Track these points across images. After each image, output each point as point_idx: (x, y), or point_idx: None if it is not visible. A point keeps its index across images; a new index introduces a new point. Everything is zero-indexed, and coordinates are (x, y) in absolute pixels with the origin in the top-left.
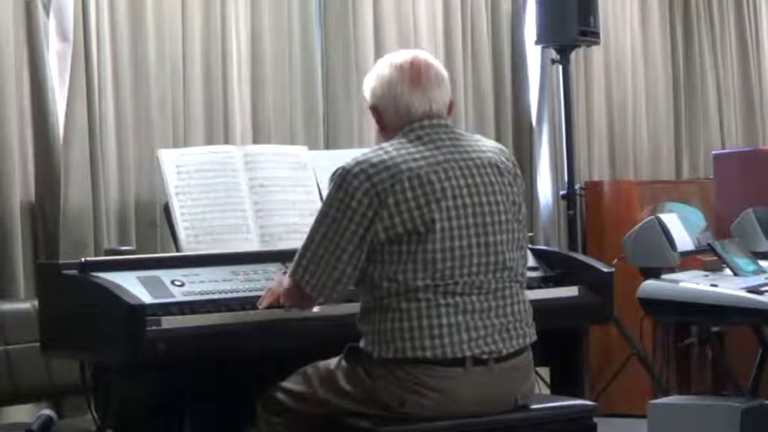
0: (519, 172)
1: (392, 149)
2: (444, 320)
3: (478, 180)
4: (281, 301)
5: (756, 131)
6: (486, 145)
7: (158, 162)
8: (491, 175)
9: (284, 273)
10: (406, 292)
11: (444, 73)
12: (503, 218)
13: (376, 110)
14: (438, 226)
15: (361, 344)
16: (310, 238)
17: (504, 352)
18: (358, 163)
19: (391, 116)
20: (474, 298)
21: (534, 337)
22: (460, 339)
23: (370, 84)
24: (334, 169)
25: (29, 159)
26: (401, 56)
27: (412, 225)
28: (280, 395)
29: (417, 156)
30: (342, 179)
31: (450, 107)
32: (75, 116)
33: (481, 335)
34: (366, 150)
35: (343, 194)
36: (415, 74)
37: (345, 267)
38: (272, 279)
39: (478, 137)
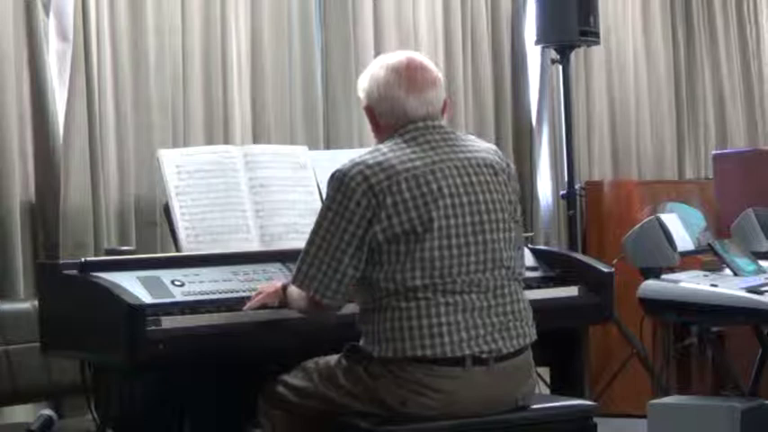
0: (513, 171)
1: (388, 151)
2: (444, 319)
3: (474, 179)
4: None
5: (757, 131)
6: (480, 146)
7: (158, 162)
8: (486, 174)
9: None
10: (405, 291)
11: (439, 73)
12: (499, 216)
13: (371, 110)
14: (436, 225)
15: (361, 343)
16: (310, 242)
17: (504, 351)
18: (355, 165)
19: (387, 118)
20: (474, 296)
21: (534, 337)
22: (460, 338)
23: (364, 84)
24: (332, 172)
25: (29, 159)
26: (395, 57)
27: (410, 225)
28: (281, 389)
29: (413, 156)
30: (339, 182)
31: (446, 106)
32: (75, 116)
33: (480, 333)
34: (362, 152)
35: (341, 197)
36: (412, 77)
37: (347, 269)
38: (272, 279)
39: (472, 137)
